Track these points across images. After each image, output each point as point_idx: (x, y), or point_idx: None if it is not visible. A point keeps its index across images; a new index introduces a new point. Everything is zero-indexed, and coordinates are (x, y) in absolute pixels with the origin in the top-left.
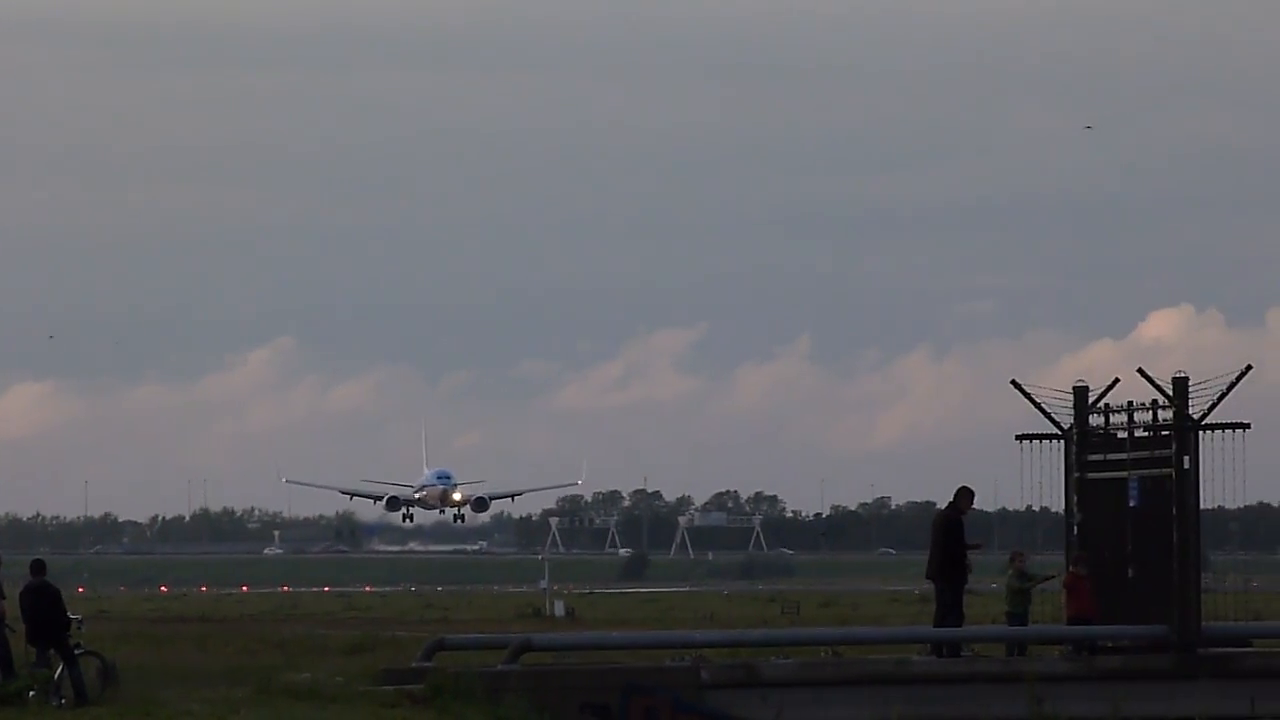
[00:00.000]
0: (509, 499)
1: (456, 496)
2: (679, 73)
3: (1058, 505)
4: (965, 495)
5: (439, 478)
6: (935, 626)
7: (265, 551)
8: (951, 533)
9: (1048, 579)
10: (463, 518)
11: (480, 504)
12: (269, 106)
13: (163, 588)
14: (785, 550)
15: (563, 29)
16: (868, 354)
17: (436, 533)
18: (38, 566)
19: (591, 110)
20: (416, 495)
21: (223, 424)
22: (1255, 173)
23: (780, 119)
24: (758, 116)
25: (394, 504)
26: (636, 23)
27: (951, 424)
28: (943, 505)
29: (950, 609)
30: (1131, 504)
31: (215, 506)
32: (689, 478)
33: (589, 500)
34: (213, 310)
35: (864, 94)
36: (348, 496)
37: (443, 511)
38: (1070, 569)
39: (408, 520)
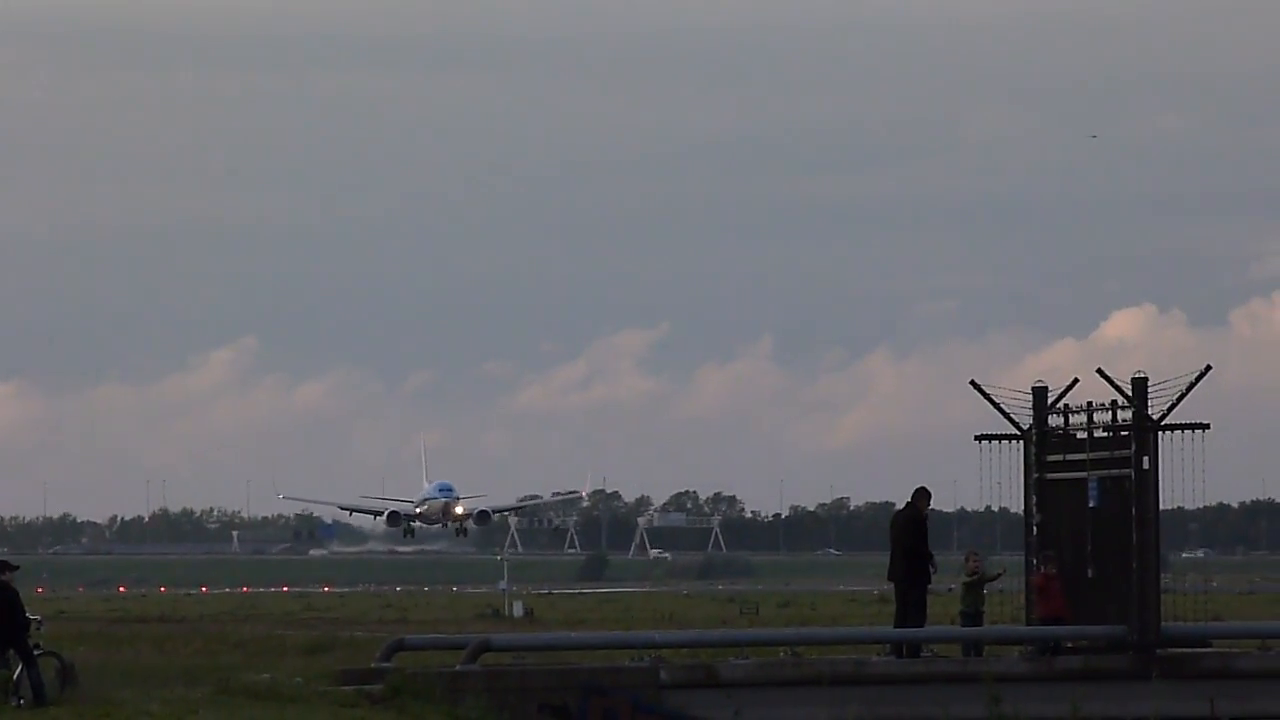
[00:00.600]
0: (513, 512)
1: (459, 510)
2: (646, 74)
3: (1017, 506)
4: (923, 496)
5: (440, 490)
6: (896, 627)
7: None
8: (918, 532)
9: (996, 576)
10: (465, 532)
11: (483, 517)
12: (231, 107)
13: (121, 588)
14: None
15: (527, 31)
16: (830, 354)
17: (395, 533)
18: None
19: (556, 112)
20: (418, 510)
21: (183, 424)
22: (1219, 174)
23: (747, 120)
24: (725, 118)
25: (395, 519)
26: (603, 25)
27: (912, 424)
28: (901, 506)
29: (915, 609)
30: (1091, 504)
31: (174, 507)
32: (649, 478)
33: (548, 500)
34: (177, 310)
35: (832, 95)
36: (347, 512)
37: (445, 525)
38: (1041, 569)
39: (409, 535)
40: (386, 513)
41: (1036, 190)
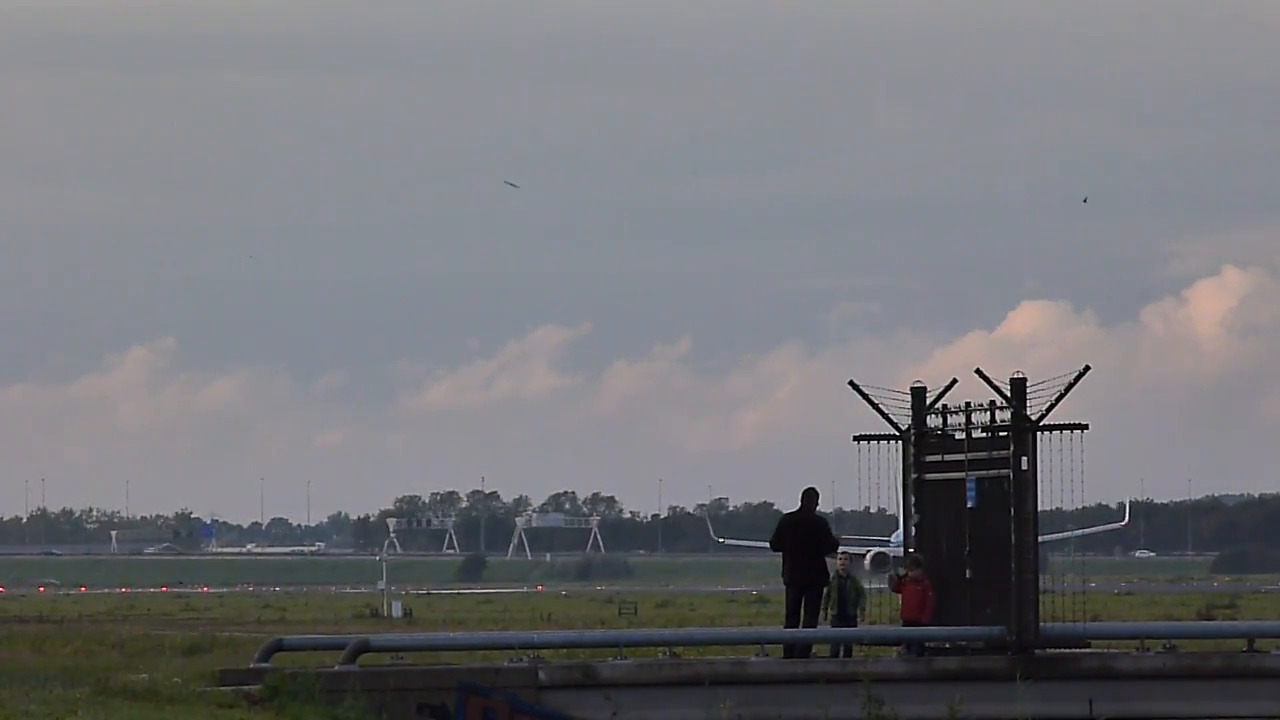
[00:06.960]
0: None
1: None
2: (562, 75)
3: (895, 507)
4: (815, 497)
5: None
6: (789, 628)
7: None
8: (828, 536)
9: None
10: None
11: None
12: (149, 108)
13: (0, 588)
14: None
15: (438, 31)
16: (742, 355)
17: (273, 534)
18: None
19: (473, 113)
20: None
21: (87, 424)
22: (1130, 173)
23: (663, 121)
24: (642, 119)
25: (880, 562)
26: (517, 27)
27: (804, 425)
28: (783, 507)
29: (811, 610)
30: (969, 505)
31: (54, 507)
32: (537, 478)
33: (426, 501)
34: (96, 310)
35: (743, 96)
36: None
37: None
38: (905, 574)
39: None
40: (870, 554)
41: (949, 190)
